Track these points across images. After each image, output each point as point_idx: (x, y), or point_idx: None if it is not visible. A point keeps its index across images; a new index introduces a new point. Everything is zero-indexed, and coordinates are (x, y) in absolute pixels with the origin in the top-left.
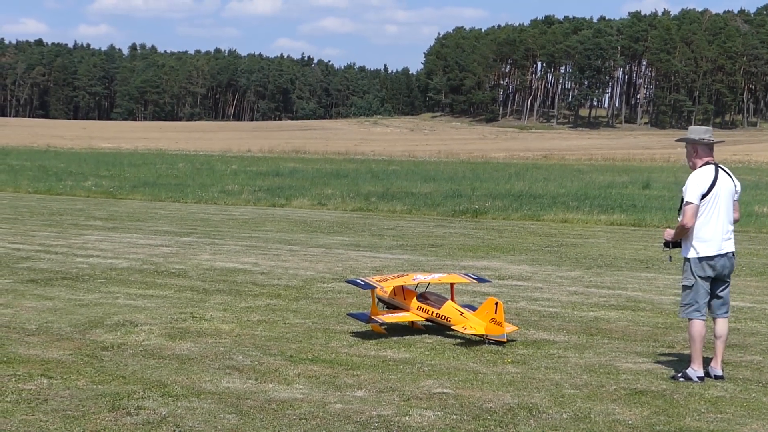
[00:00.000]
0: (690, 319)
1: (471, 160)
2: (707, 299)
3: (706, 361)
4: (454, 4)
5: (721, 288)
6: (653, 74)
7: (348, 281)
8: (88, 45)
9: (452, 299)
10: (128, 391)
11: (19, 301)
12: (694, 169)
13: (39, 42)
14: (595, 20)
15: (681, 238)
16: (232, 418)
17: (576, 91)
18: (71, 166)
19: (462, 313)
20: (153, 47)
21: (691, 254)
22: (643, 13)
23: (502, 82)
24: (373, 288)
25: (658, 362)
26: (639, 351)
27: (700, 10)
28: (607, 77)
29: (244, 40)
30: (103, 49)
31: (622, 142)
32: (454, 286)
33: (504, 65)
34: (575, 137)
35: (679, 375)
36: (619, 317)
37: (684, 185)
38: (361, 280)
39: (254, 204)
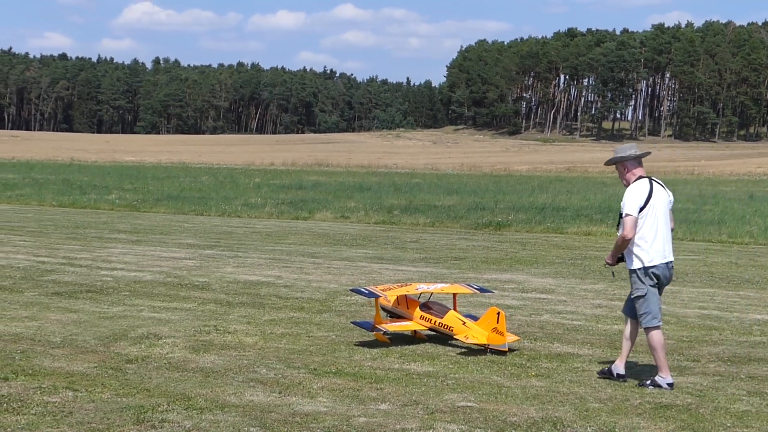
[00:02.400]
0: (648, 330)
1: (494, 173)
2: (660, 305)
3: (630, 363)
4: (476, 17)
5: None
6: (677, 86)
7: (352, 290)
8: (112, 59)
9: (455, 309)
10: (153, 404)
11: (44, 313)
12: (629, 185)
13: (63, 56)
14: (618, 33)
15: (622, 251)
16: (256, 431)
17: (599, 104)
18: (95, 180)
19: (464, 323)
20: (176, 61)
21: (636, 265)
22: (666, 26)
23: (524, 95)
24: (377, 297)
25: (683, 376)
26: None
27: (724, 21)
28: (631, 89)
29: (267, 53)
30: (126, 63)
31: None
32: (457, 296)
33: (527, 78)
34: (598, 150)
35: (648, 383)
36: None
37: (621, 201)
38: (366, 289)
39: (277, 217)
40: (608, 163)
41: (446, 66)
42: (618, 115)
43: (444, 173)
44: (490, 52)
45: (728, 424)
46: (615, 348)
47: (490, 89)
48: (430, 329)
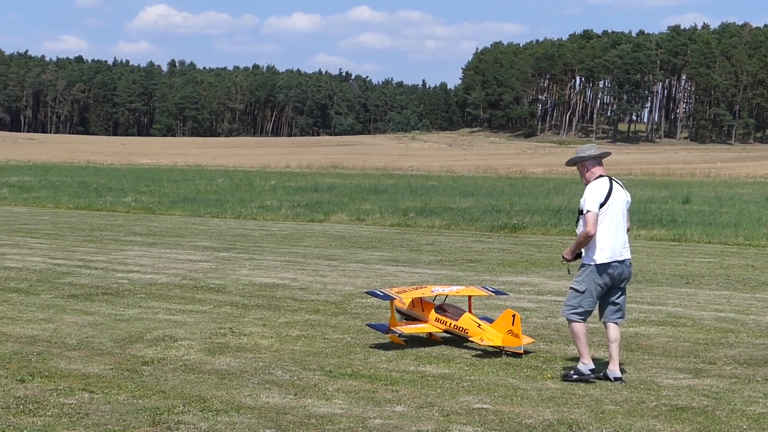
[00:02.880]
0: (570, 321)
1: (509, 176)
2: (593, 307)
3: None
4: (492, 20)
5: (617, 295)
6: (693, 88)
7: (368, 292)
8: (128, 61)
9: (470, 311)
10: (168, 405)
11: (60, 316)
12: (588, 184)
13: (79, 59)
14: (634, 34)
15: (583, 247)
16: None
17: (615, 106)
18: (111, 182)
19: (479, 325)
20: (192, 63)
21: (592, 261)
22: (682, 27)
23: (540, 97)
24: (392, 299)
25: (699, 378)
26: (680, 367)
27: (740, 23)
28: (647, 91)
29: (283, 56)
30: (142, 65)
31: (661, 157)
32: (472, 298)
33: (542, 80)
34: (614, 152)
35: (572, 372)
36: (660, 333)
37: (582, 198)
38: (381, 292)
39: (293, 219)
40: (569, 163)
41: (462, 68)
42: (634, 117)
43: (459, 175)
44: (506, 54)
45: (744, 427)
46: (631, 350)
47: (505, 91)
48: (445, 331)
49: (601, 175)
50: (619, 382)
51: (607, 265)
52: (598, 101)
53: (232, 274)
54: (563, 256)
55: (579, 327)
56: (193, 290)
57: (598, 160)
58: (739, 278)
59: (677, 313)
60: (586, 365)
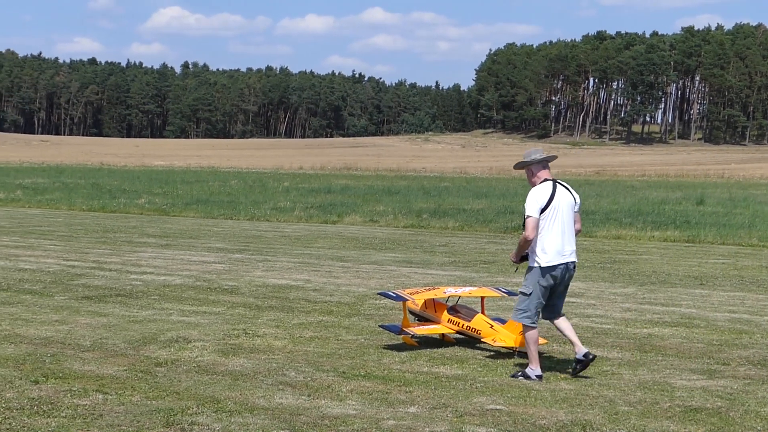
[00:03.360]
0: (523, 325)
1: (523, 177)
2: (540, 308)
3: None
4: (505, 21)
5: (559, 296)
6: (707, 89)
7: (380, 293)
8: (141, 63)
9: (482, 312)
10: (182, 406)
11: (74, 317)
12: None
13: (92, 61)
14: (647, 35)
15: (525, 251)
16: None
17: (628, 107)
18: (124, 184)
19: (492, 326)
20: (205, 65)
21: (535, 263)
22: (696, 28)
23: (553, 98)
24: (404, 300)
25: (713, 379)
26: (693, 368)
27: (754, 24)
28: (660, 93)
29: (296, 57)
30: (155, 67)
31: (675, 158)
32: (485, 299)
33: (556, 81)
34: (628, 153)
35: (519, 374)
36: (673, 334)
37: (525, 202)
38: (393, 293)
39: (306, 221)
40: (516, 167)
41: (475, 69)
42: (648, 119)
43: (473, 177)
44: (519, 56)
45: (759, 428)
46: (644, 351)
47: (519, 93)
48: (458, 332)
49: (546, 179)
50: (591, 356)
51: (551, 267)
52: (612, 102)
53: (246, 275)
54: (511, 259)
55: (531, 335)
56: (207, 292)
57: (543, 164)
58: (753, 279)
59: (691, 314)
60: (533, 371)
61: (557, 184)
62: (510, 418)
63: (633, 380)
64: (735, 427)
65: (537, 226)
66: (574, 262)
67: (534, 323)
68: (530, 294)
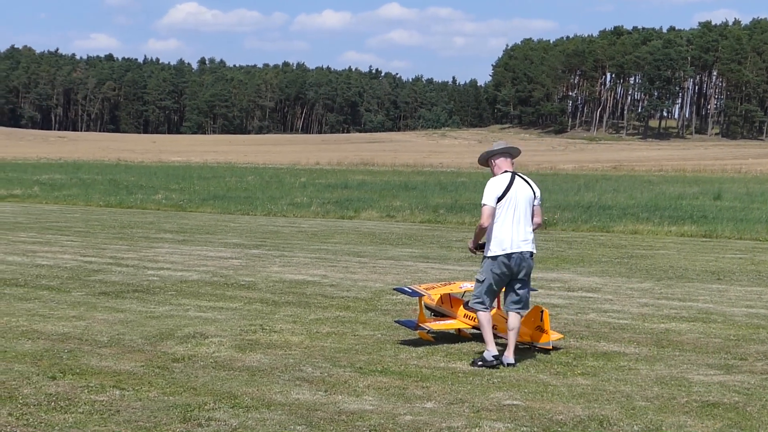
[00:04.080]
0: (475, 310)
1: (540, 172)
2: (494, 296)
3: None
4: (522, 16)
5: (518, 286)
6: (724, 84)
7: (396, 289)
8: (158, 59)
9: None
10: (199, 402)
11: (92, 313)
12: None
13: (109, 57)
14: (664, 30)
15: (480, 239)
16: (302, 430)
17: (645, 102)
18: (141, 180)
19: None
20: (222, 61)
21: (489, 253)
22: (713, 23)
23: (570, 94)
24: (420, 296)
25: (731, 374)
26: (711, 363)
27: None
28: (677, 88)
29: (313, 53)
30: (172, 63)
31: (692, 153)
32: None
33: (573, 76)
34: (645, 148)
35: (478, 361)
36: (691, 329)
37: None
38: (409, 288)
39: (323, 216)
40: (480, 161)
41: (492, 65)
42: (665, 114)
43: (489, 172)
44: (536, 51)
45: None
46: (661, 347)
47: (536, 88)
48: (474, 327)
49: (506, 171)
50: (511, 366)
51: (504, 256)
52: (629, 97)
53: (263, 271)
54: (468, 247)
55: (483, 315)
56: (224, 287)
57: (505, 156)
58: None
59: (708, 309)
60: (489, 352)
61: (516, 176)
62: (527, 413)
63: (650, 375)
64: (752, 422)
65: (492, 215)
66: (530, 252)
67: (486, 308)
68: (483, 281)
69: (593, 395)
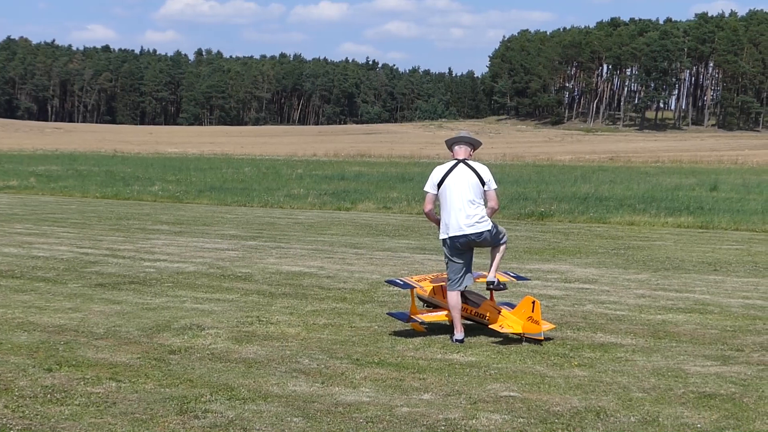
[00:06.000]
0: (448, 290)
1: (536, 163)
2: (462, 272)
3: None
4: (519, 8)
5: (487, 246)
6: (720, 76)
7: (388, 281)
8: (155, 51)
9: (491, 298)
10: (195, 394)
11: (88, 305)
12: None
13: (106, 48)
14: (661, 22)
15: (433, 221)
16: (299, 422)
17: (642, 94)
18: (138, 171)
19: (500, 312)
20: (219, 52)
21: (440, 236)
22: (710, 15)
23: (567, 85)
24: (412, 288)
25: (727, 365)
26: (707, 354)
27: None
28: (674, 79)
29: (310, 44)
30: (169, 54)
31: (689, 144)
32: (493, 293)
33: (570, 68)
34: (641, 139)
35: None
36: (687, 320)
37: None
38: (401, 280)
39: (320, 208)
40: (447, 142)
41: (489, 56)
42: (661, 105)
43: (486, 163)
44: (533, 42)
45: None
46: (658, 338)
47: (532, 79)
48: (467, 318)
49: (455, 159)
50: (459, 343)
51: (450, 239)
52: (626, 89)
53: (259, 262)
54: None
55: (453, 298)
56: (220, 279)
57: (462, 144)
58: (766, 265)
59: (705, 300)
60: (455, 336)
61: (462, 163)
62: (524, 404)
63: (647, 366)
64: (749, 413)
65: (431, 201)
66: (478, 233)
67: (454, 288)
68: (447, 263)
69: (590, 386)
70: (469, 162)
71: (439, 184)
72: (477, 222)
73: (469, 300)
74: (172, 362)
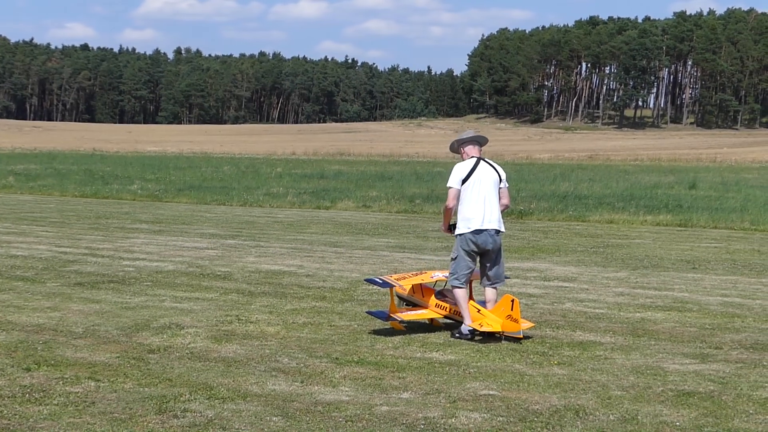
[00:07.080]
0: (453, 287)
1: (516, 162)
2: (468, 272)
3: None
4: (499, 6)
5: (489, 264)
6: (699, 74)
7: (367, 280)
8: (134, 49)
9: (471, 297)
10: (175, 393)
11: (66, 304)
12: None
13: (85, 47)
14: (640, 20)
15: (449, 219)
16: (278, 421)
17: (621, 92)
18: (117, 170)
19: (479, 311)
20: (198, 51)
21: (458, 231)
22: (688, 13)
23: (546, 83)
24: (391, 286)
25: (706, 363)
26: (686, 352)
27: (746, 9)
28: (653, 77)
29: (289, 43)
30: (148, 53)
31: (667, 143)
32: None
33: (548, 66)
34: (620, 138)
35: (456, 333)
36: (666, 318)
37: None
38: (380, 279)
39: (299, 206)
40: (451, 149)
41: (468, 55)
42: (640, 103)
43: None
44: (512, 41)
45: (751, 411)
46: (637, 336)
47: (511, 78)
48: (446, 317)
49: (472, 156)
50: (471, 333)
51: (471, 233)
52: (605, 87)
53: (239, 261)
54: (441, 229)
55: (459, 292)
56: (200, 278)
57: (473, 143)
58: (745, 263)
59: (683, 298)
60: (465, 326)
61: (482, 160)
62: (503, 403)
63: (626, 364)
64: (727, 410)
65: (456, 196)
66: (497, 230)
67: (462, 285)
68: (456, 258)
69: (569, 385)
70: (488, 160)
71: (464, 180)
72: (498, 220)
73: (448, 298)
74: (151, 361)
